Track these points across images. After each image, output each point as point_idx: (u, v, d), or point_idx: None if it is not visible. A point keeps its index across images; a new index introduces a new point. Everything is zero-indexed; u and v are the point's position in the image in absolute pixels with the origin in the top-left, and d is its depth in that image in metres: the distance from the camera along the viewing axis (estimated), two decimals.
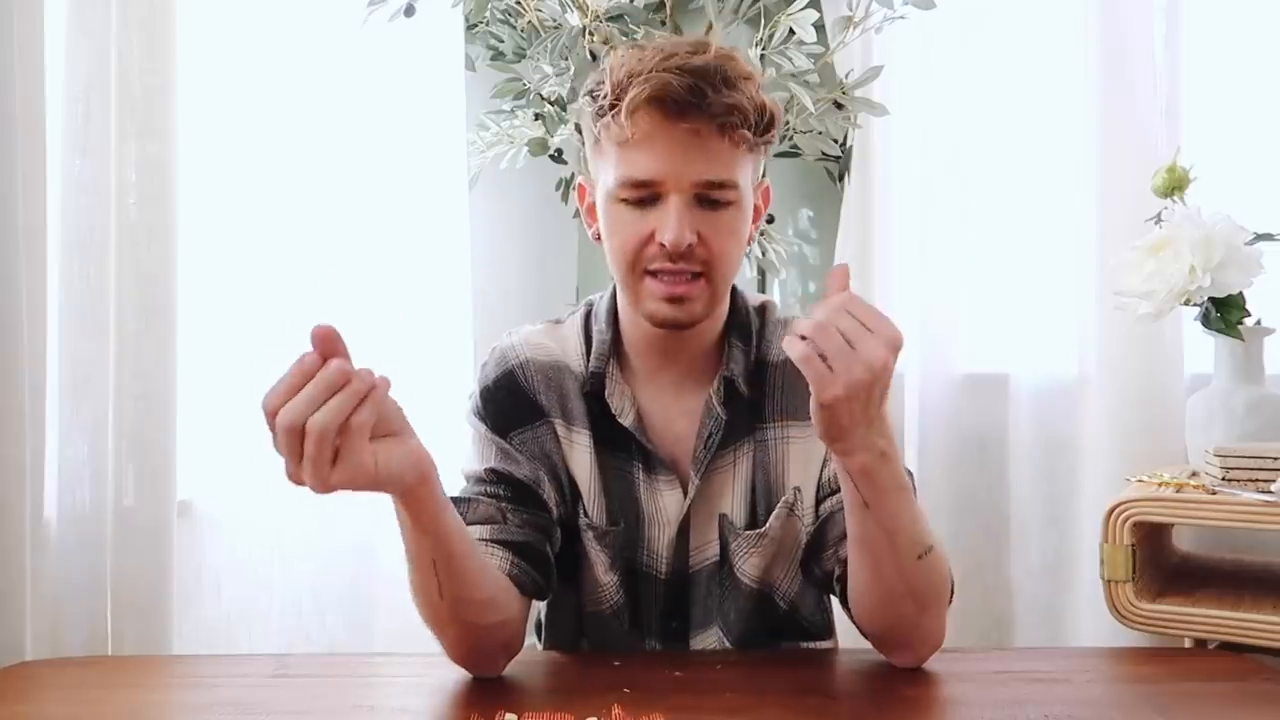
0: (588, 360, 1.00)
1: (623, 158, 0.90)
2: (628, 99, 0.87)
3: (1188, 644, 1.25)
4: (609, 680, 0.88)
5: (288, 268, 1.51)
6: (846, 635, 1.02)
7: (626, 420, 0.98)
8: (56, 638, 1.20)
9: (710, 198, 0.90)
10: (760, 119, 0.90)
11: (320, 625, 1.53)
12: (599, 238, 0.97)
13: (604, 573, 1.00)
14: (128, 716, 0.86)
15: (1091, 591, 1.47)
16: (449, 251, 1.69)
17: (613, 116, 0.89)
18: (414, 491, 0.77)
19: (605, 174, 0.93)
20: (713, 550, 1.00)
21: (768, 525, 0.98)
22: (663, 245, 0.89)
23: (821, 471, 0.99)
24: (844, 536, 0.91)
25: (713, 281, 0.92)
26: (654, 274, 0.91)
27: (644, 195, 0.90)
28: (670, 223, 0.88)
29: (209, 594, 1.42)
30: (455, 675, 0.90)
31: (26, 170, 1.12)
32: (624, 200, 0.91)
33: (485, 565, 0.87)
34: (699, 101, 0.86)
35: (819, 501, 0.99)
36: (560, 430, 1.00)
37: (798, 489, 0.99)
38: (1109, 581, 1.21)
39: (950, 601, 0.92)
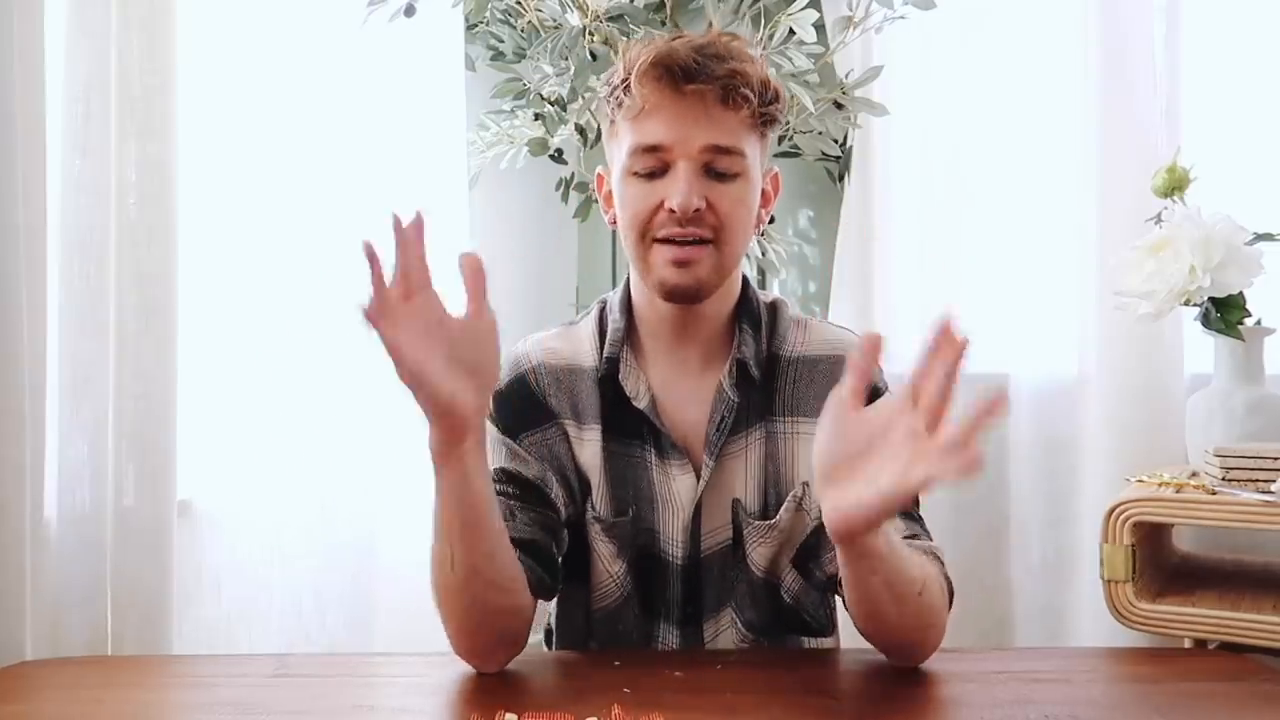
0: (602, 351, 1.01)
1: (634, 128, 0.94)
2: (636, 69, 0.92)
3: (1188, 644, 1.25)
4: (609, 680, 0.88)
5: (288, 268, 1.51)
6: (847, 633, 1.03)
7: (641, 403, 0.99)
8: (56, 638, 1.20)
9: (717, 168, 0.93)
10: (764, 91, 0.94)
11: (320, 625, 1.53)
12: (615, 222, 1.00)
13: (610, 563, 1.01)
14: (128, 716, 0.86)
15: (1091, 591, 1.47)
16: (449, 252, 1.69)
17: (624, 90, 0.94)
18: (447, 439, 0.80)
19: (619, 151, 0.97)
20: (725, 535, 1.02)
21: (778, 517, 1.00)
22: (672, 211, 0.92)
23: None
24: None
25: (720, 249, 0.95)
26: (663, 241, 0.94)
27: (654, 165, 0.94)
28: (679, 187, 0.92)
29: (209, 594, 1.42)
30: (455, 675, 0.90)
31: (26, 170, 1.12)
32: (636, 173, 0.95)
33: (502, 545, 0.88)
34: (701, 69, 0.91)
35: None
36: (571, 430, 1.02)
37: (806, 484, 1.00)
38: (1109, 581, 1.21)
39: (950, 606, 0.92)
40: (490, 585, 0.87)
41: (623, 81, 0.94)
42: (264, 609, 1.47)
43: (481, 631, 0.89)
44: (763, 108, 0.94)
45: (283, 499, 1.49)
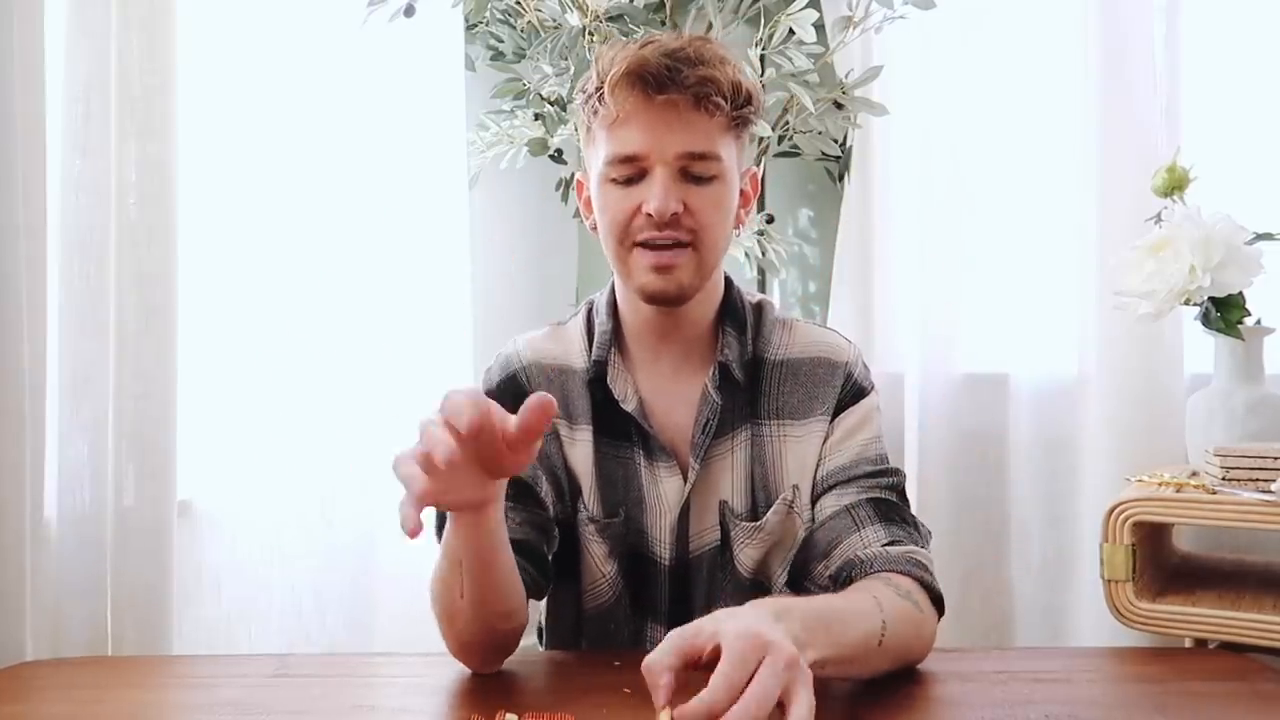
0: (591, 352, 1.01)
1: (610, 137, 0.94)
2: (609, 78, 0.92)
3: (1188, 644, 1.25)
4: (609, 680, 0.88)
5: (288, 268, 1.51)
6: None
7: (629, 405, 1.00)
8: (56, 638, 1.20)
9: (693, 172, 0.94)
10: (736, 95, 0.94)
11: (320, 625, 1.53)
12: (595, 227, 1.00)
13: (602, 563, 1.02)
14: (127, 716, 0.86)
15: (1091, 591, 1.47)
16: (449, 251, 1.69)
17: (598, 99, 0.94)
18: (471, 517, 0.79)
19: (596, 159, 0.97)
20: (713, 536, 1.02)
21: (764, 520, 1.00)
22: (649, 215, 0.92)
23: (817, 470, 1.00)
24: (832, 546, 0.95)
25: (699, 252, 0.95)
26: (642, 246, 0.94)
27: (631, 172, 0.94)
28: (655, 191, 0.92)
29: (209, 594, 1.42)
30: (455, 675, 0.90)
31: (26, 170, 1.12)
32: (613, 180, 0.95)
33: (511, 579, 0.87)
34: (674, 76, 0.91)
35: (814, 500, 1.00)
36: (563, 431, 1.02)
37: (796, 487, 1.00)
38: (1109, 581, 1.21)
39: (940, 605, 0.92)
40: (497, 613, 0.87)
41: (597, 90, 0.94)
42: (264, 609, 1.47)
43: (481, 646, 0.90)
44: (736, 111, 0.94)
45: (283, 499, 1.49)
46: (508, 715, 0.78)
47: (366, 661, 1.06)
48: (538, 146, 1.68)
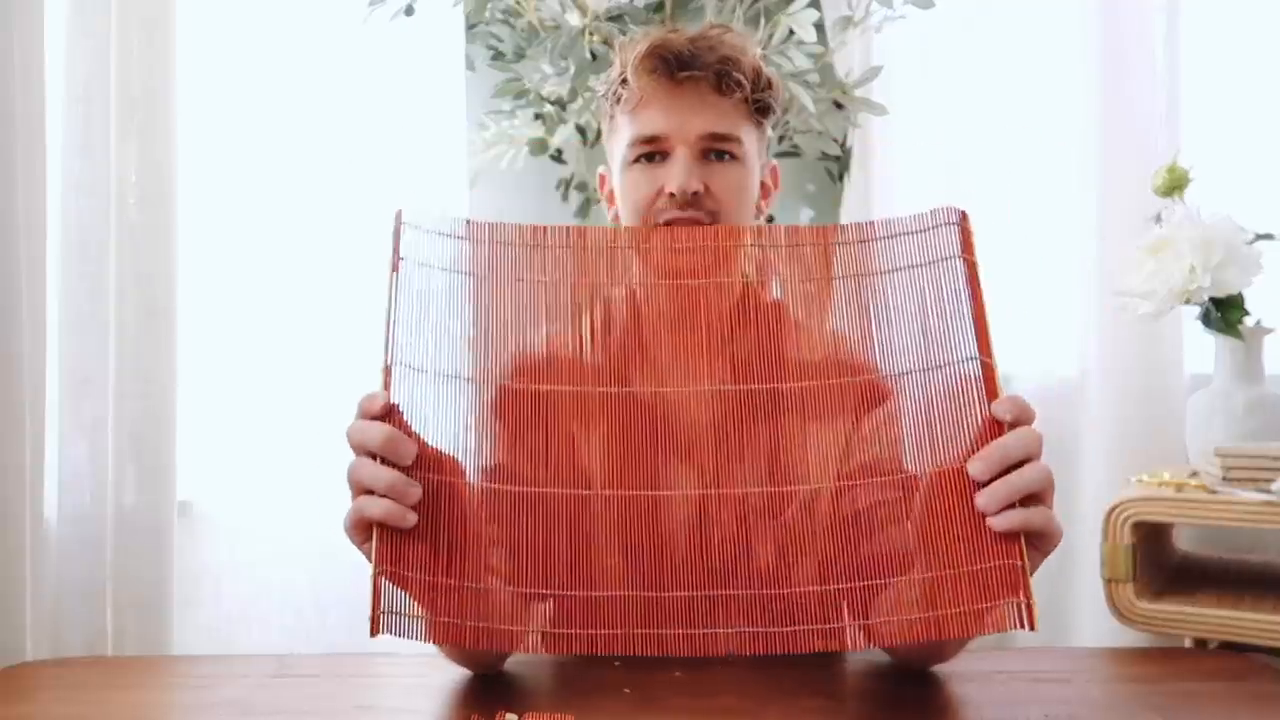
0: None
1: (632, 121, 0.96)
2: (632, 62, 0.94)
3: (1188, 644, 1.25)
4: (609, 680, 0.88)
5: (288, 268, 1.51)
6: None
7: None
8: (57, 638, 1.20)
9: (715, 150, 0.95)
10: (756, 78, 0.96)
11: (320, 625, 1.53)
12: (617, 217, 1.02)
13: None
14: (128, 716, 0.86)
15: (1091, 591, 1.47)
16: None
17: (622, 84, 0.95)
18: None
19: (619, 145, 0.98)
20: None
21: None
22: (671, 196, 0.94)
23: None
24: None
25: None
26: (665, 227, 0.95)
27: (653, 153, 0.95)
28: (676, 171, 0.94)
29: (209, 594, 1.42)
30: (455, 675, 0.90)
31: (26, 170, 1.12)
32: (635, 162, 0.96)
33: None
34: (695, 58, 0.93)
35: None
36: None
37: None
38: (1109, 581, 1.21)
39: None
40: (487, 662, 0.89)
41: (620, 76, 0.96)
42: (264, 609, 1.47)
43: (476, 666, 0.91)
44: (756, 94, 0.96)
45: (283, 499, 1.49)
46: (508, 715, 0.77)
47: (366, 661, 1.06)
48: (538, 146, 1.68)
